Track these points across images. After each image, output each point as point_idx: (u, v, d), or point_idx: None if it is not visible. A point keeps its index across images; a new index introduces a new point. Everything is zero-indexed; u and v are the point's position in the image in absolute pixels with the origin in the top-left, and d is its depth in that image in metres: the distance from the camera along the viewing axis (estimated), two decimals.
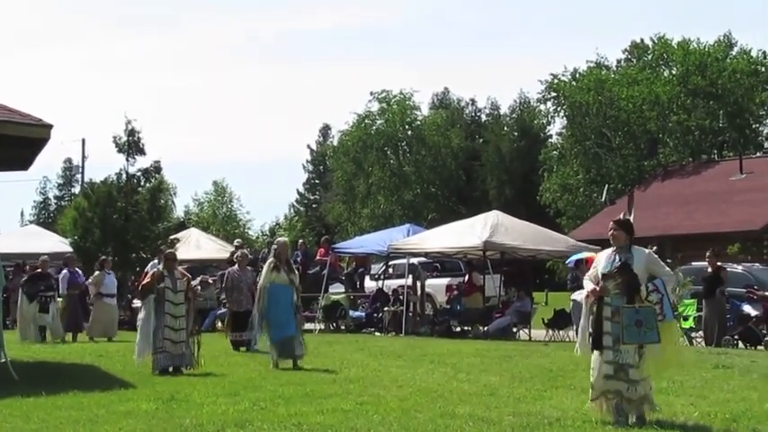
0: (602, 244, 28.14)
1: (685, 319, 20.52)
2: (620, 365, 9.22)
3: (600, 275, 9.54)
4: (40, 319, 21.86)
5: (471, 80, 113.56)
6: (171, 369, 14.37)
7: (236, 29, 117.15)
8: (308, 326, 21.24)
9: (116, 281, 24.04)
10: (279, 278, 15.37)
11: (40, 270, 22.66)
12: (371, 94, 68.02)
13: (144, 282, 15.51)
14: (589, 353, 9.53)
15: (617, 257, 9.53)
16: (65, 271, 23.62)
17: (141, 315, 15.27)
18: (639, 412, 9.26)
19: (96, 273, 23.46)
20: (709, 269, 20.96)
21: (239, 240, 33.87)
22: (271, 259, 15.66)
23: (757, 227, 35.56)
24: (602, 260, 9.70)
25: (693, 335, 21.20)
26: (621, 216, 10.24)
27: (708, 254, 21.31)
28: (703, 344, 20.34)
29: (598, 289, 9.44)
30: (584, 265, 24.47)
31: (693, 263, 23.45)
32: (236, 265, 19.51)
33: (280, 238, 17.31)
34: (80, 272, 24.17)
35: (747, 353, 18.48)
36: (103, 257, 24.72)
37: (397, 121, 67.23)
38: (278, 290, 15.31)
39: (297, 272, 16.22)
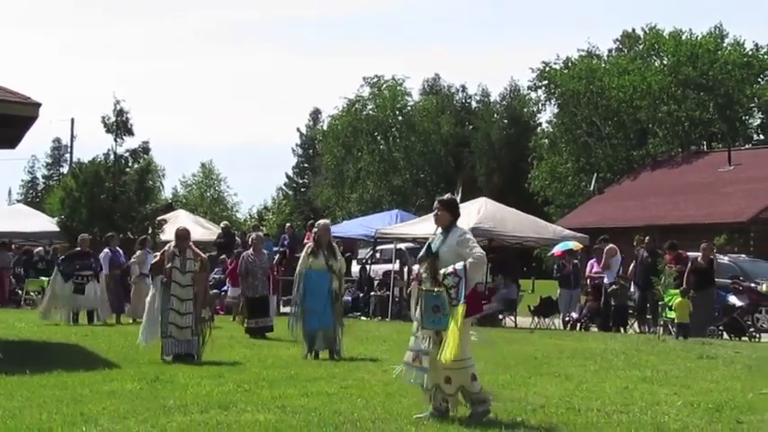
0: (590, 233, 28.35)
1: (670, 309, 20.56)
2: (417, 352, 8.78)
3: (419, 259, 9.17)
4: (73, 300, 21.19)
5: (462, 67, 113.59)
6: (183, 354, 13.48)
7: (226, 12, 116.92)
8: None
9: None
10: (316, 263, 14.26)
11: (79, 249, 21.96)
12: (364, 79, 68.08)
13: (154, 261, 14.63)
14: None
15: (432, 239, 9.02)
16: (106, 250, 22.75)
17: (148, 298, 14.40)
18: (459, 404, 8.78)
19: (138, 252, 22.66)
20: (700, 260, 20.85)
21: (226, 223, 33.84)
22: (309, 243, 14.69)
23: (744, 218, 35.70)
24: (428, 242, 9.14)
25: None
26: (447, 195, 9.33)
27: (703, 246, 21.14)
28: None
29: (415, 275, 9.08)
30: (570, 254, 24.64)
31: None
32: (251, 249, 18.70)
33: (321, 221, 15.61)
34: (121, 251, 23.38)
35: (732, 344, 18.53)
36: (144, 236, 24.30)
37: (387, 107, 67.18)
38: (315, 276, 14.23)
39: (338, 256, 14.59)
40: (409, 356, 8.86)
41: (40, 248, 30.65)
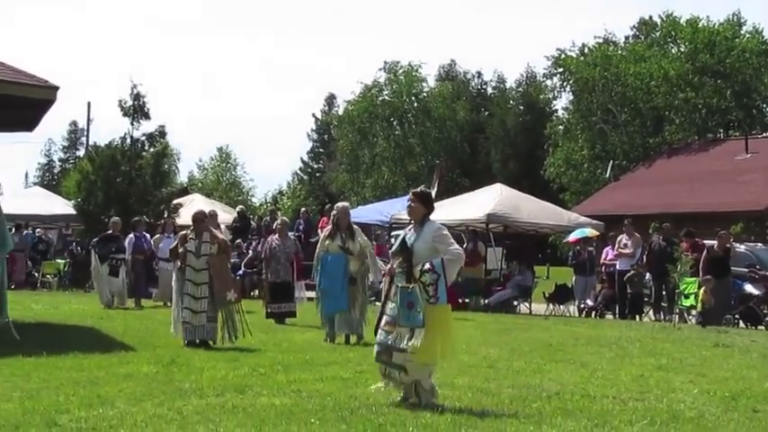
0: (606, 220, 28.30)
1: (686, 297, 20.49)
2: (388, 347, 8.60)
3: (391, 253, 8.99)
4: (110, 282, 21.14)
5: (478, 53, 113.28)
6: (198, 342, 13.24)
7: None
8: (310, 294, 21.09)
9: None
10: (332, 246, 14.28)
11: (111, 231, 21.77)
12: (385, 63, 68.16)
13: (172, 246, 14.39)
14: None
15: (405, 233, 8.85)
16: (131, 235, 22.35)
17: (173, 284, 14.11)
18: (420, 398, 8.62)
19: (157, 236, 22.68)
20: (716, 248, 20.70)
21: (241, 207, 33.88)
22: (329, 226, 14.68)
23: (761, 207, 35.50)
24: (400, 236, 8.99)
25: (693, 313, 21.10)
26: (422, 188, 9.25)
27: (721, 233, 21.00)
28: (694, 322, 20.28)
29: (388, 269, 8.89)
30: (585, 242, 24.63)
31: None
32: (277, 234, 18.39)
33: (340, 203, 15.53)
34: (147, 236, 23.02)
35: (747, 332, 18.49)
36: (164, 220, 24.17)
37: (403, 93, 67.13)
38: (331, 258, 14.26)
39: (357, 239, 14.48)
40: (378, 349, 8.71)
41: (39, 230, 30.69)
